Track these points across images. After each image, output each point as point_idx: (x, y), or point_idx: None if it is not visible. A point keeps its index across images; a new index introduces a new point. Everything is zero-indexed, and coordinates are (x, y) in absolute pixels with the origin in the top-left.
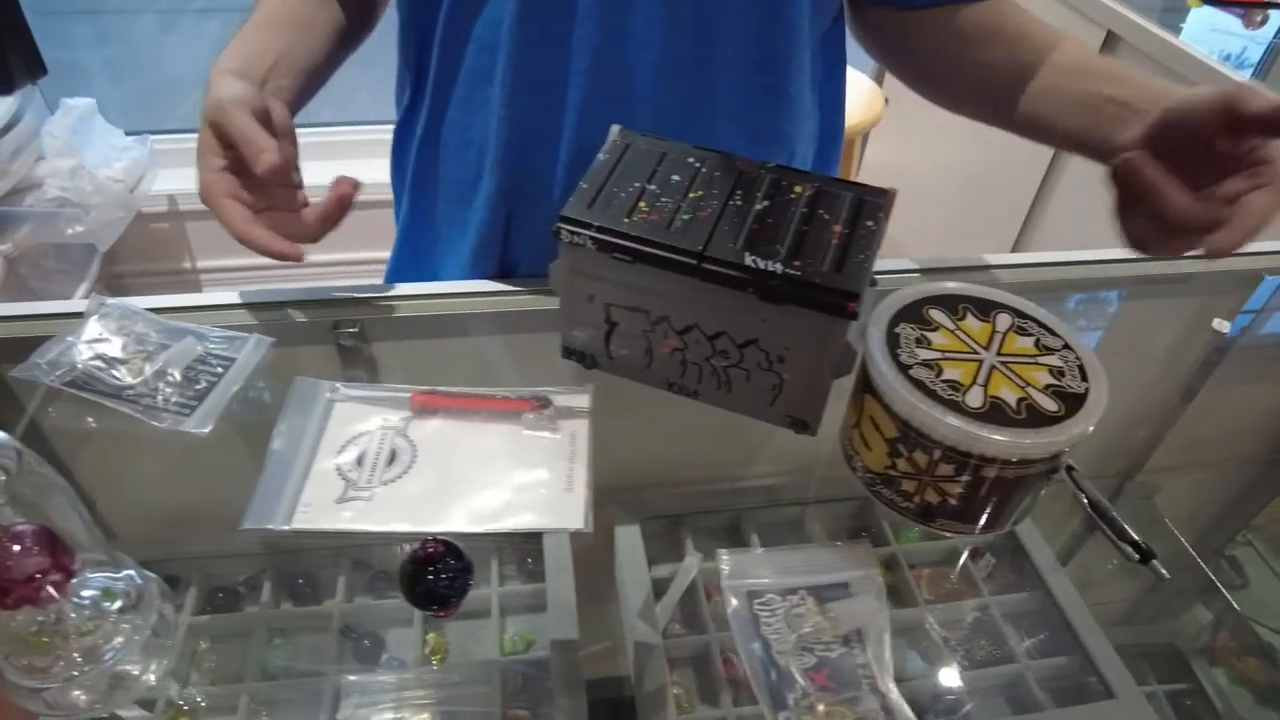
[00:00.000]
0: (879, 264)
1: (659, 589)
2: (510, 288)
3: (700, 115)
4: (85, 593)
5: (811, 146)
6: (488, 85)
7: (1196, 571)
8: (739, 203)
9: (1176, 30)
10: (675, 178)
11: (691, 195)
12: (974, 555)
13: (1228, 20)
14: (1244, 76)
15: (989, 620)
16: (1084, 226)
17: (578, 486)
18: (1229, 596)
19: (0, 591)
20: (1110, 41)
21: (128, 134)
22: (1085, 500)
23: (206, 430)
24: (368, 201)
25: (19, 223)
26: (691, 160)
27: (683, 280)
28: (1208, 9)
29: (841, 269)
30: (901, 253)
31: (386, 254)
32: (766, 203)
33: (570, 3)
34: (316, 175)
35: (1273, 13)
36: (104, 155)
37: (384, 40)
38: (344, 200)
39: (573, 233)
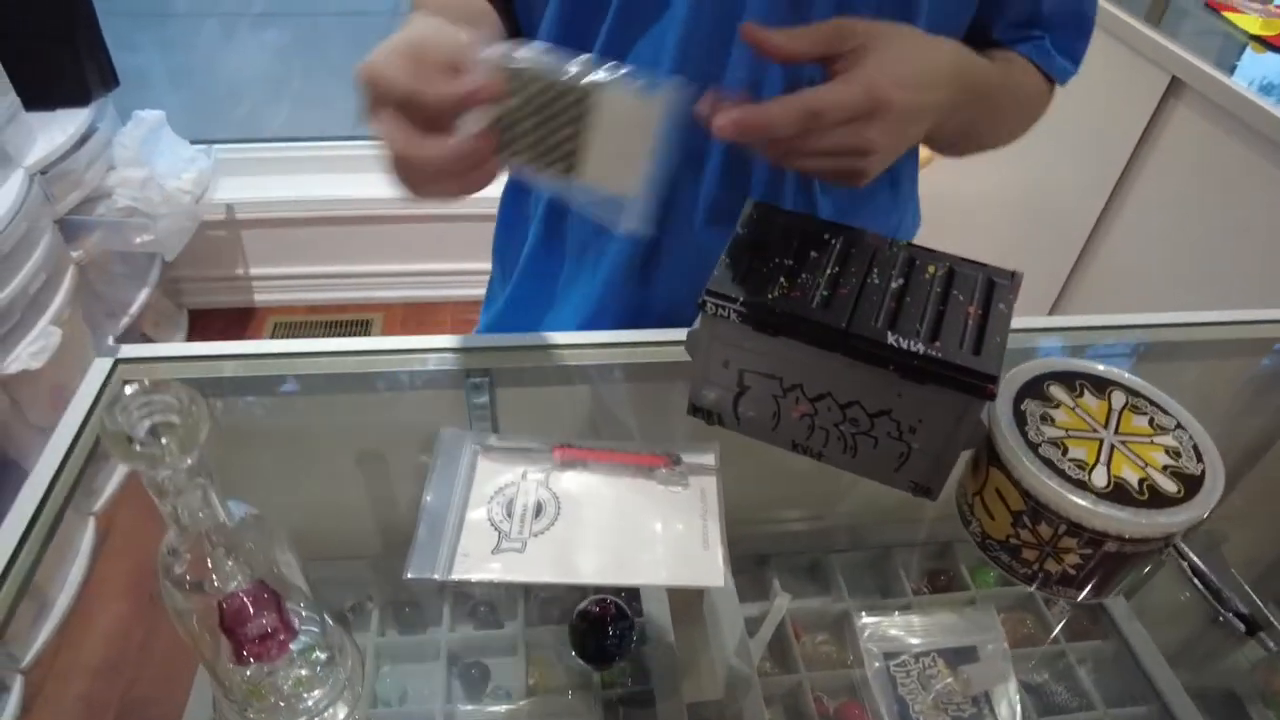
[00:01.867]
0: None
1: (748, 627)
2: (637, 340)
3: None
4: (295, 646)
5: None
6: None
7: (1260, 617)
8: (876, 281)
9: (1231, 70)
10: (813, 253)
11: (830, 271)
12: (1049, 600)
13: None
14: None
15: (1066, 666)
16: (1143, 255)
17: (713, 544)
18: None
19: (237, 648)
20: (1174, 87)
21: (192, 143)
22: (1193, 576)
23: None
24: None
25: (90, 231)
26: (827, 236)
27: (823, 354)
28: (1270, 54)
29: (980, 351)
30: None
31: (407, 265)
32: (901, 280)
33: (724, 44)
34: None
35: None
36: (172, 166)
37: None
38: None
39: (718, 306)
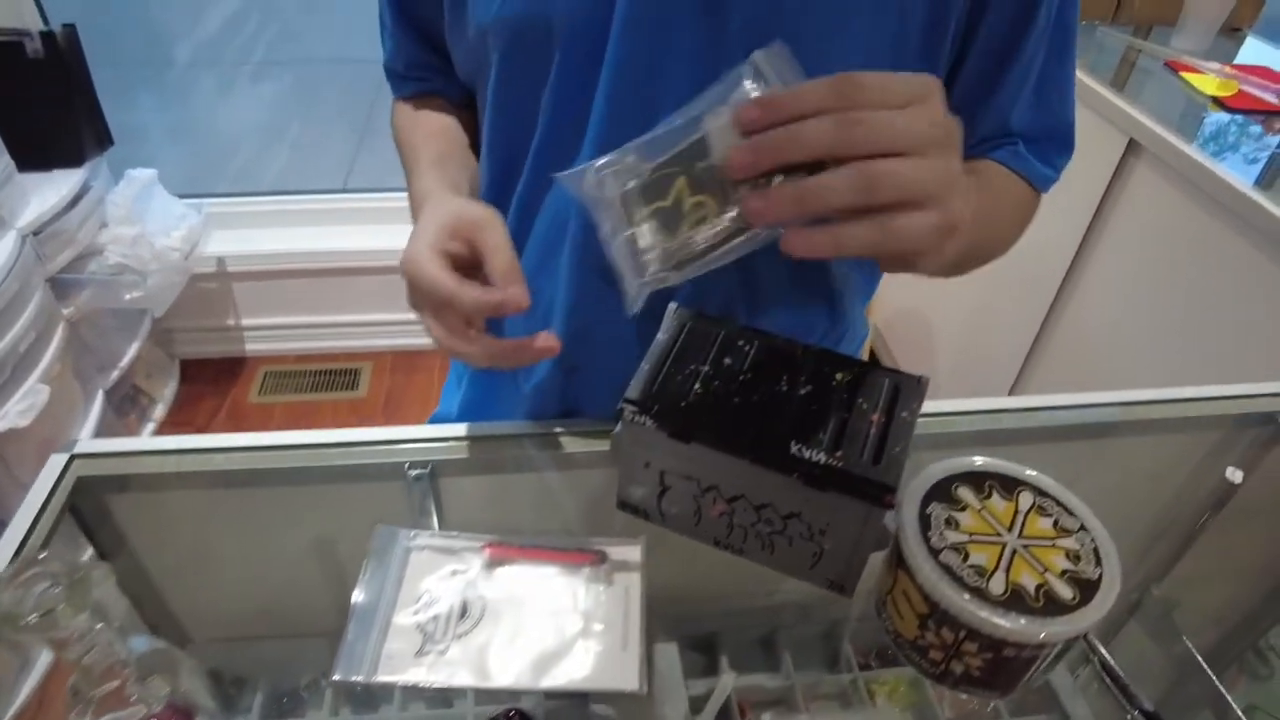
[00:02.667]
0: None
1: (693, 705)
2: (572, 429)
3: (745, 281)
4: None
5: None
6: (558, 254)
7: (1207, 684)
8: (785, 388)
9: (1193, 136)
10: (727, 361)
11: (743, 378)
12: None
13: (1254, 129)
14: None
15: None
16: (1109, 319)
17: (632, 645)
18: (1237, 710)
19: None
20: (1133, 148)
21: (182, 197)
22: (1102, 671)
23: None
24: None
25: (82, 288)
26: (742, 343)
27: (734, 460)
28: (1235, 117)
29: (880, 460)
30: (929, 330)
31: (395, 315)
32: (810, 387)
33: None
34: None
35: None
36: (163, 224)
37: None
38: (542, 352)
39: (634, 413)
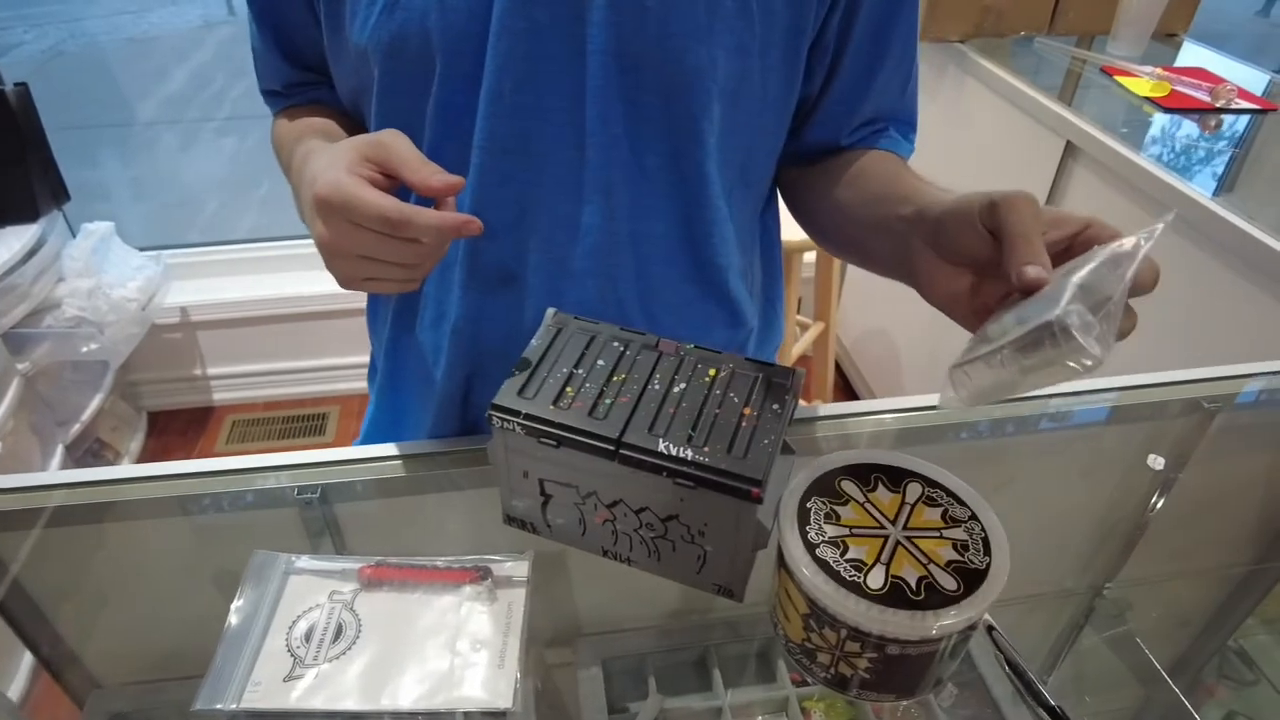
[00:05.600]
0: (815, 410)
1: None
2: (462, 448)
3: (640, 284)
4: None
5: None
6: (451, 266)
7: (1166, 690)
8: (657, 387)
9: (1139, 142)
10: (600, 362)
11: (615, 379)
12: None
13: (1189, 126)
14: (1206, 187)
15: None
16: None
17: (509, 663)
18: (1198, 716)
19: None
20: (1070, 151)
21: (142, 249)
22: (1005, 665)
23: None
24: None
25: (38, 342)
26: (616, 344)
27: (605, 463)
28: (1168, 116)
29: (748, 454)
30: (894, 346)
31: (362, 358)
32: (683, 385)
33: (524, 196)
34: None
35: (1226, 117)
36: (120, 275)
37: None
38: (469, 226)
39: (502, 419)
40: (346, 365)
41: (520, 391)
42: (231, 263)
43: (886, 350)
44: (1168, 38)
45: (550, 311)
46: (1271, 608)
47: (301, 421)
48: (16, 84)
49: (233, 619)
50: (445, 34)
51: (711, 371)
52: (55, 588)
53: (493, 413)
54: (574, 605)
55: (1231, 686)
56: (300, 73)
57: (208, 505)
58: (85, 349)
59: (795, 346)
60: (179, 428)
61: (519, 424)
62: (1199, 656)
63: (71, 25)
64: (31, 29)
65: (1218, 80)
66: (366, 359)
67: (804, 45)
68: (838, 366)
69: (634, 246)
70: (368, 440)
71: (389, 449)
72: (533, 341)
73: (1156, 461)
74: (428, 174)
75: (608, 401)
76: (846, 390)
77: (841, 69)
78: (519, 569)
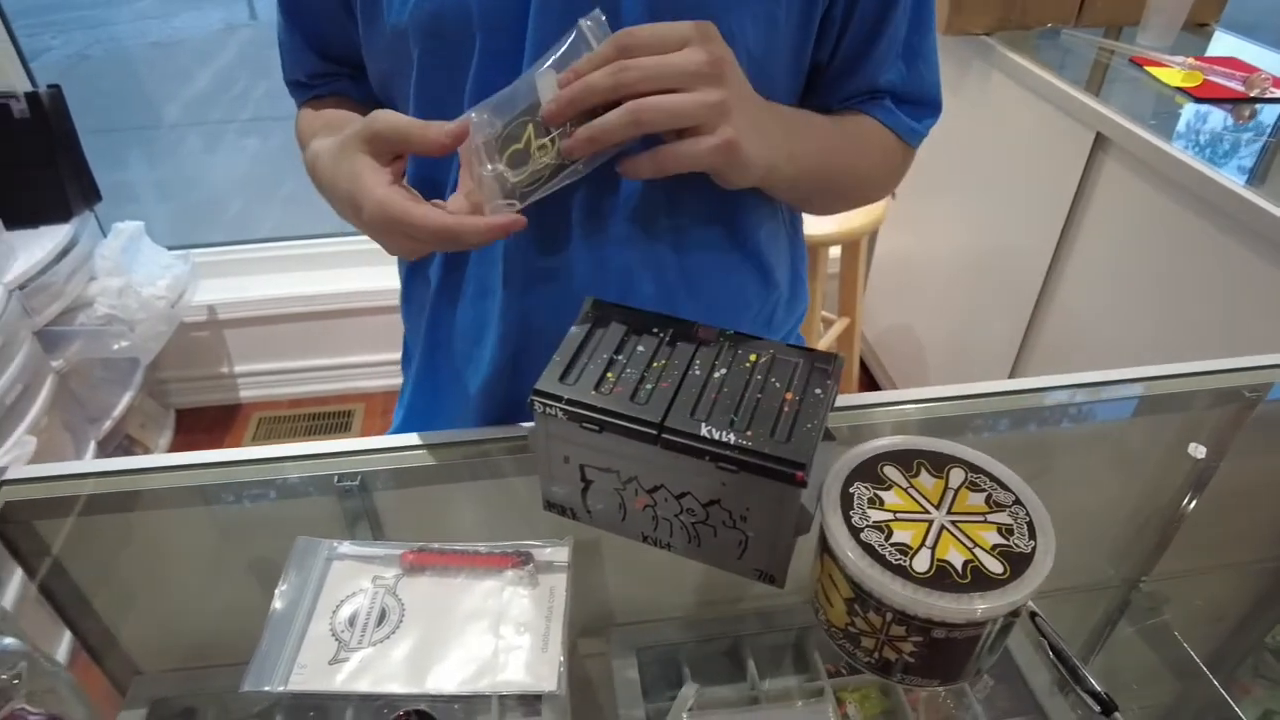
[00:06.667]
0: (856, 399)
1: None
2: (501, 436)
3: (677, 248)
4: None
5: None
6: (495, 244)
7: (1205, 685)
8: (698, 372)
9: (1170, 133)
10: (640, 348)
11: (655, 365)
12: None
13: (1218, 116)
14: (1240, 176)
15: None
16: (1096, 299)
17: (552, 647)
18: (1239, 712)
19: None
20: (1100, 142)
21: (171, 249)
22: (1049, 650)
23: None
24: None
25: (70, 340)
26: (656, 330)
27: (646, 447)
28: (1200, 106)
29: (791, 438)
30: (918, 341)
31: (386, 355)
32: (723, 370)
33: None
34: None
35: (1261, 106)
36: (149, 273)
37: None
38: (515, 226)
39: (545, 405)
40: (371, 363)
41: (562, 377)
42: (257, 261)
43: (911, 345)
44: (1199, 27)
45: (588, 299)
46: None
47: (327, 419)
48: (49, 86)
49: (277, 603)
50: (485, 11)
51: (752, 357)
52: (97, 575)
53: (535, 398)
54: (608, 595)
55: (1267, 685)
56: (325, 64)
57: (246, 494)
58: (116, 346)
59: (820, 342)
60: (206, 425)
61: (561, 409)
62: (1234, 653)
63: (97, 30)
64: (59, 34)
65: (1251, 69)
66: (390, 356)
67: (817, 15)
68: (861, 362)
69: (670, 210)
70: (405, 427)
71: (427, 437)
72: (572, 329)
73: (1198, 450)
74: (432, 137)
75: (649, 387)
76: (870, 385)
77: (843, 42)
78: (560, 554)
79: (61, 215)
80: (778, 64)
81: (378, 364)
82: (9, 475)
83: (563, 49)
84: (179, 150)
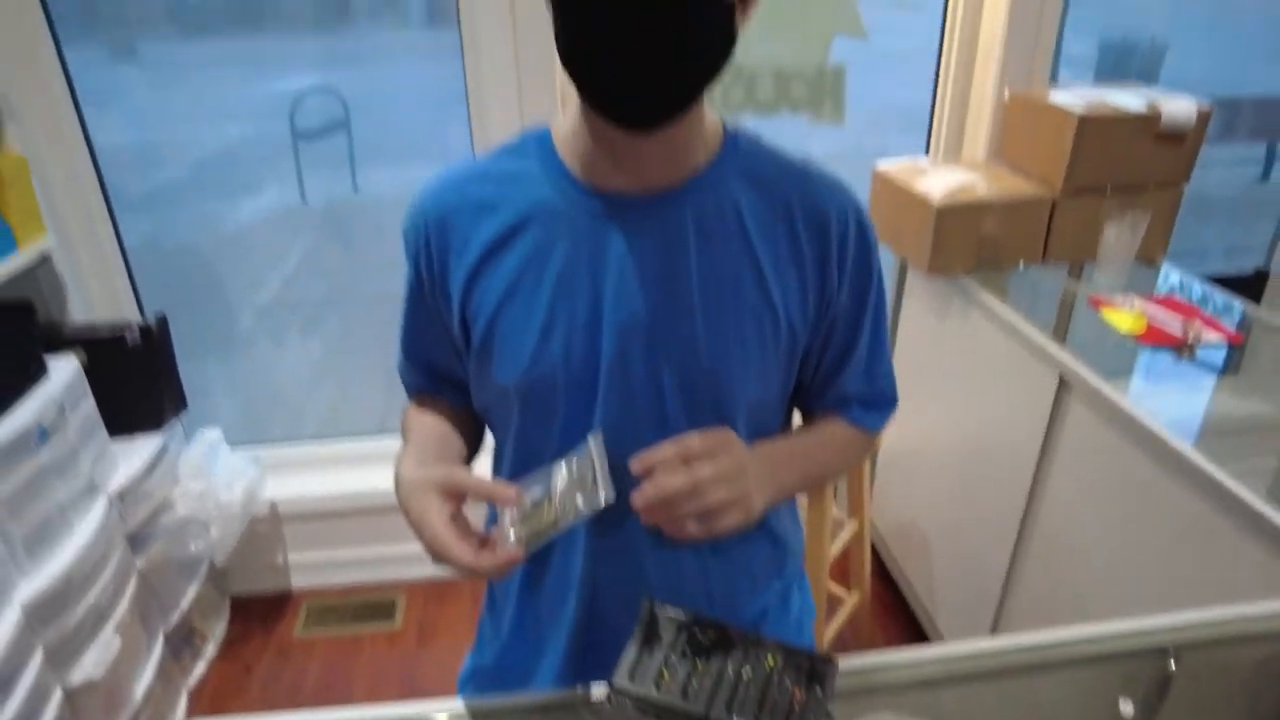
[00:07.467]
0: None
1: None
2: (570, 698)
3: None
4: None
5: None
6: (575, 533)
7: None
8: (730, 672)
9: (1126, 380)
10: (688, 650)
11: (698, 664)
12: None
13: (1166, 362)
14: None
15: None
16: (1085, 494)
17: None
18: None
19: None
20: (1064, 385)
21: (238, 446)
22: None
23: None
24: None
25: (153, 540)
26: (696, 630)
27: None
28: (1149, 351)
29: None
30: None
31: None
32: (748, 669)
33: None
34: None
35: (1201, 353)
36: (226, 479)
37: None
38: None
39: (619, 698)
40: (414, 555)
41: (631, 673)
42: (316, 460)
43: (917, 539)
44: (1149, 262)
45: (645, 601)
46: None
47: (372, 608)
48: (158, 315)
49: None
50: (569, 379)
51: (770, 659)
52: None
53: (612, 694)
54: None
55: None
56: (434, 382)
57: None
58: (194, 547)
59: (833, 546)
60: (259, 612)
61: (630, 701)
62: None
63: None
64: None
65: (1190, 312)
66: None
67: (799, 357)
68: (874, 550)
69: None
70: (485, 665)
71: (506, 700)
72: (636, 627)
73: (1126, 706)
74: (488, 492)
75: (695, 685)
76: (883, 576)
77: (820, 368)
78: None
79: (155, 423)
80: (771, 402)
81: (420, 555)
82: None
83: (576, 457)
84: (245, 345)
